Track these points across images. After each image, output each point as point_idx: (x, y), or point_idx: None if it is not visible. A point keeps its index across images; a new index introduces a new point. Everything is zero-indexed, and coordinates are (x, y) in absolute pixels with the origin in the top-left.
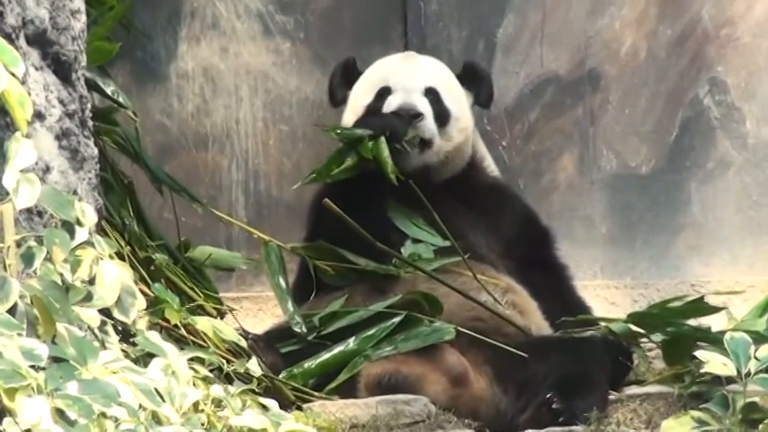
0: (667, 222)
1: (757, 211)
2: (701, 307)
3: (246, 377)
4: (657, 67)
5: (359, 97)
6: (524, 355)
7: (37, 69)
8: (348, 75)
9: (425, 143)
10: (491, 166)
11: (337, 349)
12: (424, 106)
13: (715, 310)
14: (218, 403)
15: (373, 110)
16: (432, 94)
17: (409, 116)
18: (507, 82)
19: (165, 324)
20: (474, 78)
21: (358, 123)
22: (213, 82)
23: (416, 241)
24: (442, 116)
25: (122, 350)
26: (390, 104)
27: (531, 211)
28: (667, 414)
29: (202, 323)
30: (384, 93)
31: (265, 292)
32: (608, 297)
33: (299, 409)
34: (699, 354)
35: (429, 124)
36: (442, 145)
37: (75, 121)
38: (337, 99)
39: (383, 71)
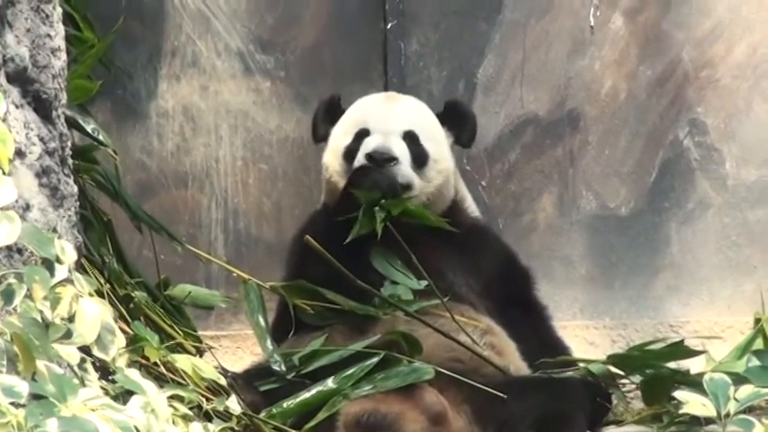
0: (646, 263)
1: (736, 252)
2: (680, 350)
3: (226, 415)
4: (637, 109)
5: (338, 137)
6: (503, 395)
7: (17, 107)
8: (331, 112)
9: (403, 187)
10: (471, 207)
11: (316, 388)
12: (401, 150)
13: (695, 353)
14: None
15: (351, 152)
16: (410, 137)
17: (383, 159)
18: (487, 122)
19: (144, 362)
20: (456, 117)
21: (352, 183)
22: (193, 120)
23: (395, 283)
24: (420, 158)
25: (102, 387)
26: (366, 146)
27: (511, 251)
28: None
29: (182, 361)
30: (362, 134)
31: (244, 331)
32: (587, 337)
33: None
34: (678, 394)
35: (405, 169)
36: (421, 187)
37: (56, 158)
38: (319, 136)
39: (363, 112)
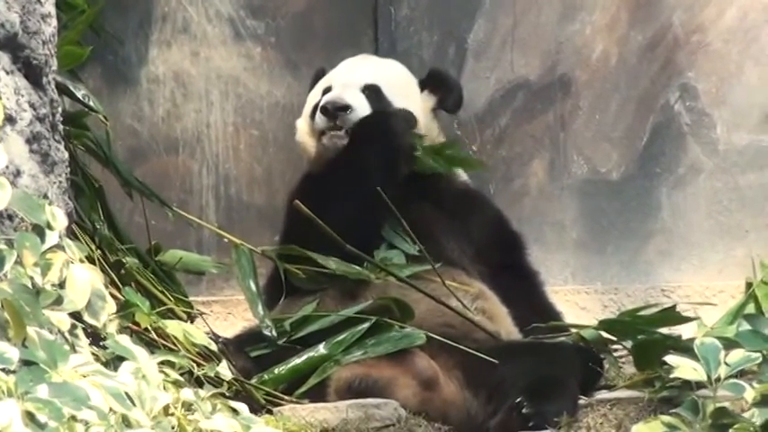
0: (638, 228)
1: (727, 217)
2: (672, 316)
3: (217, 381)
4: (628, 73)
5: (309, 100)
6: (494, 360)
7: (7, 73)
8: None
9: None
10: (460, 172)
11: (308, 354)
12: (355, 99)
13: (686, 319)
14: (188, 407)
15: (316, 109)
16: (371, 89)
17: (335, 109)
18: (478, 87)
19: (135, 328)
20: (439, 84)
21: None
22: (184, 86)
23: (391, 247)
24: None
25: (92, 354)
26: (323, 100)
27: (502, 215)
28: (637, 419)
29: (173, 327)
30: (327, 91)
31: (235, 296)
32: (578, 302)
33: (270, 412)
34: (669, 359)
35: (359, 117)
36: None
37: (46, 125)
38: None
39: (332, 72)
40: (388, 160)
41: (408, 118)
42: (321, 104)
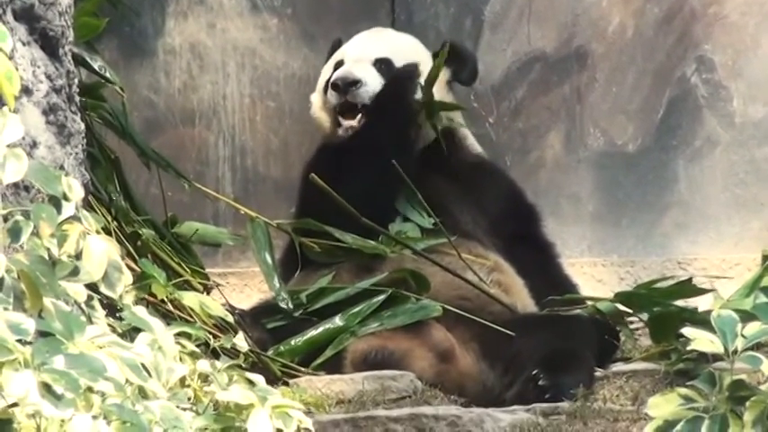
0: (654, 200)
1: (744, 190)
2: (688, 288)
3: (233, 352)
4: (645, 46)
5: (324, 73)
6: (511, 332)
7: (24, 44)
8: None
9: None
10: (474, 144)
11: (324, 326)
12: (365, 73)
13: (702, 291)
14: (204, 378)
15: (328, 83)
16: (383, 63)
17: (345, 84)
18: (494, 59)
19: (151, 299)
20: (453, 56)
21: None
22: (200, 58)
23: (406, 220)
24: None
25: (109, 325)
26: (333, 76)
27: (517, 187)
28: (654, 391)
29: (189, 298)
30: (338, 65)
31: (252, 268)
32: (595, 274)
33: (286, 384)
34: (686, 331)
35: (372, 89)
36: None
37: (63, 96)
38: None
39: (344, 46)
40: (400, 129)
41: (411, 73)
42: (332, 80)
